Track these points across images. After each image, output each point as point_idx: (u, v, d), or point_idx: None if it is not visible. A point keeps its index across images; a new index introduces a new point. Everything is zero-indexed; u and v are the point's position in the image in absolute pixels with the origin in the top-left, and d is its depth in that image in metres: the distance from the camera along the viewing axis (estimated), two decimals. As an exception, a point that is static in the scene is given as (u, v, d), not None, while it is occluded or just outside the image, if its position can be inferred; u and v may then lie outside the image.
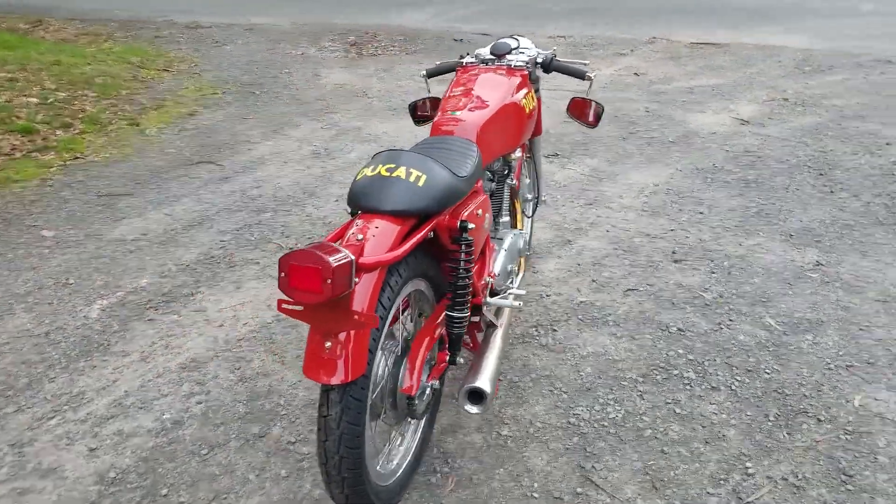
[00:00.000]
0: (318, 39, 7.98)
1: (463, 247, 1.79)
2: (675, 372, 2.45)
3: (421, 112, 2.76)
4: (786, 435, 2.16)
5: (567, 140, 4.79)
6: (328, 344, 1.42)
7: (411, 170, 1.63)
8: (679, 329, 2.68)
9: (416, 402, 1.73)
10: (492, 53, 2.47)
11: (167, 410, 2.31)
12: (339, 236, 1.57)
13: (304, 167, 4.41)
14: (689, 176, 4.11)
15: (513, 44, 2.50)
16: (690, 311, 2.79)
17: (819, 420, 2.22)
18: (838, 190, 3.88)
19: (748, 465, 2.05)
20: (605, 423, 2.22)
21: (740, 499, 1.93)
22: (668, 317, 2.76)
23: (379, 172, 1.63)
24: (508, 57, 2.45)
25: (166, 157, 4.60)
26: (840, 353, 2.53)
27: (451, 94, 2.21)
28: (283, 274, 1.30)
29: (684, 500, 1.93)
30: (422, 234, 1.62)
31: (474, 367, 1.92)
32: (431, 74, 2.61)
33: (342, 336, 1.43)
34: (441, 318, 1.88)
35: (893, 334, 2.63)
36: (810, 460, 2.06)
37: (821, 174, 4.08)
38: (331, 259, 1.28)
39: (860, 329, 2.67)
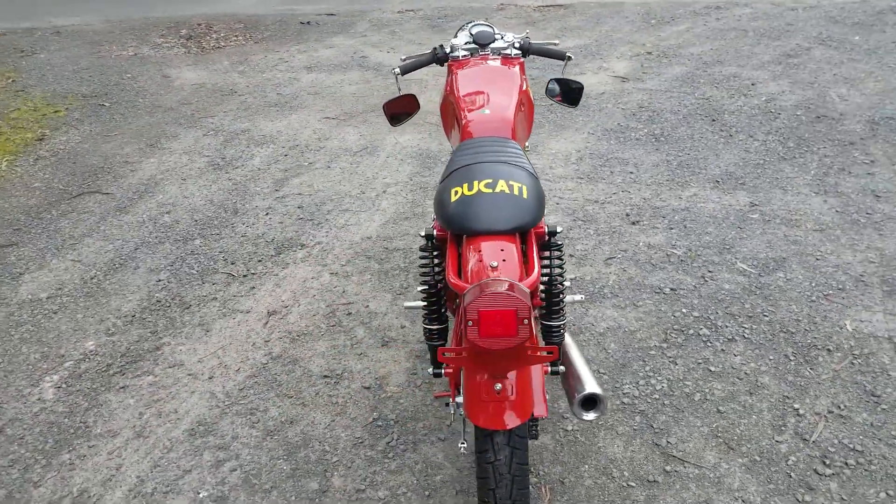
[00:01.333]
0: (146, 36, 7.24)
1: (556, 253, 1.71)
2: (691, 331, 2.55)
3: (395, 111, 2.59)
4: (810, 371, 2.33)
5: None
6: (498, 386, 1.30)
7: (511, 182, 1.52)
8: (672, 289, 2.78)
9: (538, 423, 1.65)
10: (476, 43, 2.35)
11: (201, 488, 2.03)
12: (453, 263, 1.44)
13: (208, 182, 4.01)
14: (602, 138, 4.26)
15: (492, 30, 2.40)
16: (672, 270, 2.91)
17: (829, 350, 2.41)
18: (735, 133, 4.20)
19: (795, 405, 2.19)
20: (656, 396, 2.26)
21: (805, 440, 2.06)
22: (656, 279, 2.85)
23: (479, 190, 1.50)
24: (493, 45, 2.35)
25: (36, 194, 3.98)
26: (812, 284, 2.76)
27: (463, 91, 2.08)
28: (470, 322, 1.16)
29: (761, 453, 2.03)
30: (536, 248, 1.52)
31: (571, 374, 1.86)
32: (405, 71, 2.44)
33: (512, 375, 1.31)
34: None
35: (844, 259, 2.92)
36: (841, 389, 2.24)
37: (713, 120, 4.40)
38: (521, 297, 1.16)
39: (816, 259, 2.93)
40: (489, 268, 1.38)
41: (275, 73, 5.99)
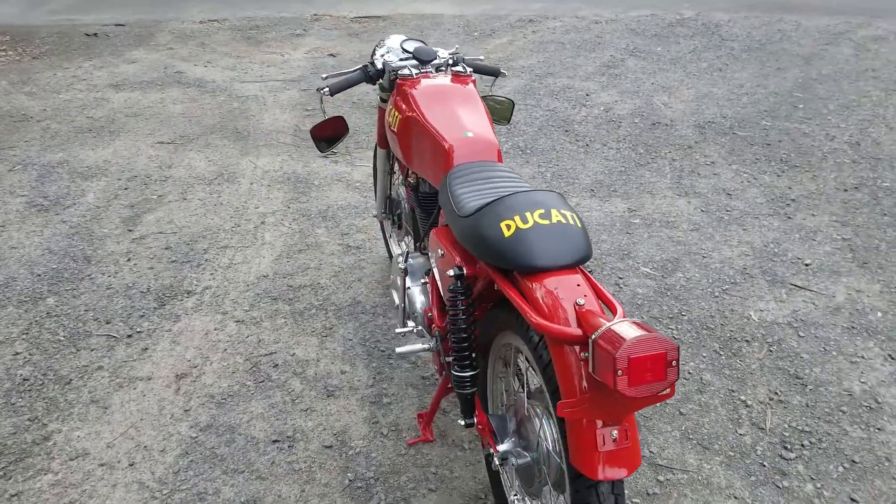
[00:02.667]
0: None
1: None
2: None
3: (322, 135, 2.41)
4: (740, 363, 2.57)
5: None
6: (615, 433, 1.25)
7: (563, 211, 1.48)
8: (594, 299, 2.90)
9: None
10: (417, 59, 2.26)
11: None
12: (521, 302, 1.37)
13: (37, 227, 3.44)
14: (470, 152, 4.33)
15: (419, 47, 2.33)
16: (586, 280, 3.04)
17: (747, 341, 2.68)
18: (590, 143, 4.51)
19: (742, 397, 2.40)
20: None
21: (762, 429, 2.26)
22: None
23: (536, 222, 1.43)
24: (435, 62, 2.29)
25: None
26: (710, 281, 3.05)
27: (429, 113, 1.97)
28: (619, 372, 1.10)
29: (732, 448, 2.19)
30: (594, 281, 1.48)
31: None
32: (336, 91, 2.28)
33: (625, 422, 1.27)
34: None
35: (725, 254, 3.26)
36: (771, 377, 2.49)
37: (566, 131, 4.68)
38: (667, 339, 1.13)
39: (703, 258, 3.24)
40: (576, 305, 1.33)
41: (75, 94, 5.31)
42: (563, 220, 1.45)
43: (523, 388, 1.63)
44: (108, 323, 2.74)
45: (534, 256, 1.40)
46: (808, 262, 3.19)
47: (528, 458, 1.55)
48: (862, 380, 2.45)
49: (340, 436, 2.21)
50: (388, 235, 3.07)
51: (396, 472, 2.08)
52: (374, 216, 2.94)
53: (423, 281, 2.11)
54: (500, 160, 1.87)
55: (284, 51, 6.51)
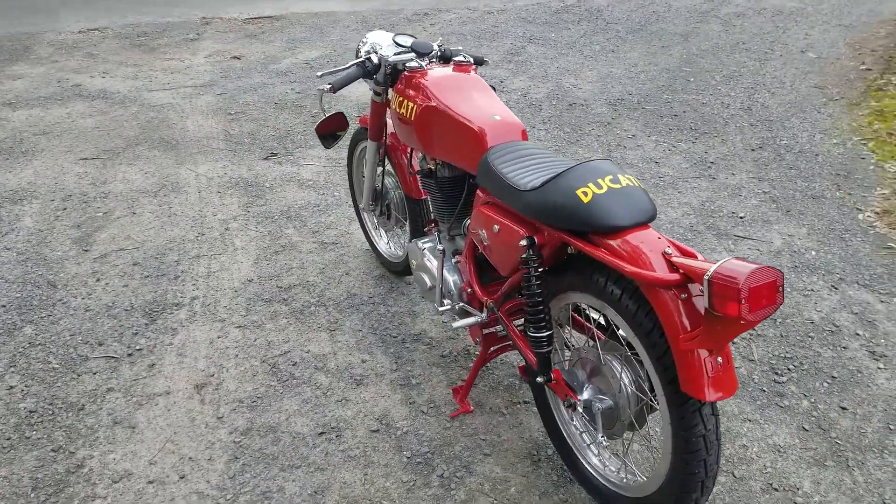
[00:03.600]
0: None
1: None
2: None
3: (327, 130, 2.45)
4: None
5: (274, 137, 4.53)
6: (720, 360, 1.44)
7: (627, 176, 1.64)
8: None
9: None
10: (416, 52, 2.35)
11: None
12: (612, 257, 1.51)
13: (-19, 257, 3.20)
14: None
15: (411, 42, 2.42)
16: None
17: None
18: (519, 125, 4.73)
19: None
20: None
21: (752, 360, 2.55)
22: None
23: (609, 187, 1.59)
24: (432, 54, 2.39)
25: None
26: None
27: (449, 101, 2.07)
28: (743, 301, 1.27)
29: (731, 379, 2.46)
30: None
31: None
32: (339, 88, 2.33)
33: (725, 349, 1.45)
34: None
35: (672, 216, 3.57)
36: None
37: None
38: (769, 266, 1.31)
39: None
40: (664, 254, 1.49)
41: (-37, 115, 4.89)
42: (630, 184, 1.62)
43: (593, 340, 1.79)
44: (100, 345, 2.63)
45: (614, 217, 1.55)
46: (741, 215, 3.57)
47: (610, 402, 1.71)
48: (817, 309, 2.82)
49: (383, 419, 2.28)
50: (370, 227, 3.12)
51: (449, 444, 2.18)
52: (361, 209, 2.99)
53: (454, 260, 2.22)
54: (525, 139, 2.01)
55: (183, 56, 6.28)
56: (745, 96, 5.21)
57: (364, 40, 2.57)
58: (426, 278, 2.28)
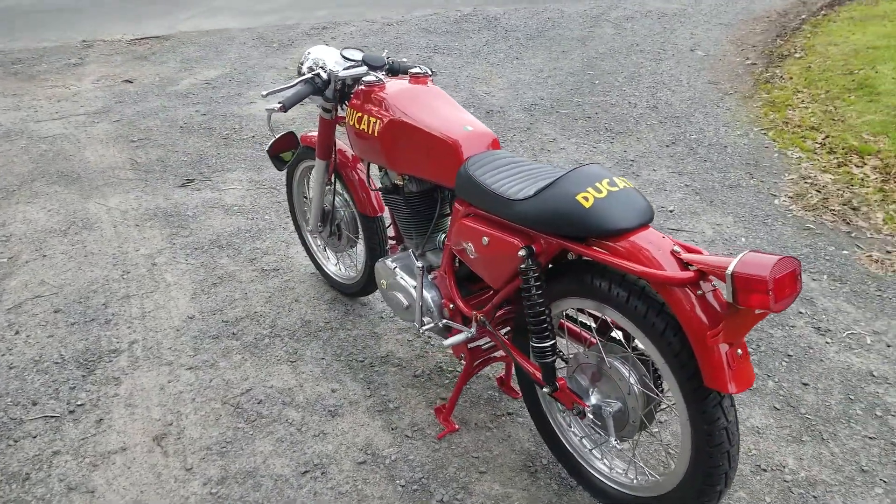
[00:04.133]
0: None
1: None
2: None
3: (278, 151, 2.33)
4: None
5: (186, 163, 4.28)
6: (739, 352, 1.46)
7: (621, 179, 1.64)
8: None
9: None
10: (368, 66, 2.28)
11: None
12: (621, 261, 1.52)
13: None
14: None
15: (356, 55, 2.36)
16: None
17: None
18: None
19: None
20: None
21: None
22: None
23: (609, 190, 1.58)
24: (384, 68, 2.33)
25: None
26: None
27: (416, 114, 2.01)
28: (770, 293, 1.29)
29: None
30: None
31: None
32: (290, 106, 2.22)
33: (742, 342, 1.48)
34: None
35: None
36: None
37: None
38: (787, 256, 1.34)
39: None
40: (673, 253, 1.50)
41: None
42: (626, 186, 1.62)
43: (586, 346, 1.79)
44: (35, 404, 2.38)
45: (617, 220, 1.55)
46: (671, 209, 3.71)
47: (619, 404, 1.71)
48: (761, 292, 2.95)
49: (367, 449, 2.18)
50: (316, 250, 3.01)
51: (442, 467, 2.11)
52: (309, 231, 2.86)
53: (431, 276, 2.16)
54: (498, 147, 1.98)
55: (68, 83, 5.86)
56: (649, 95, 5.44)
57: (306, 56, 2.47)
58: (401, 297, 2.20)
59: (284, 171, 2.90)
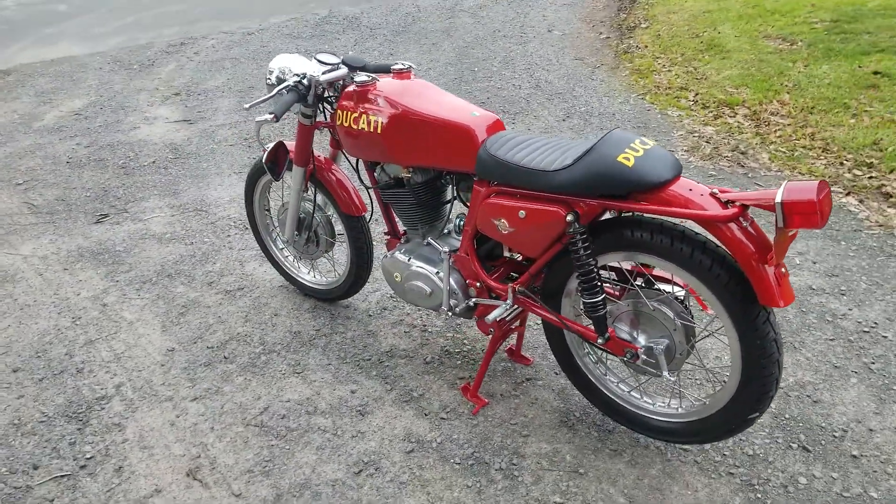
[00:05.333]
0: None
1: None
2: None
3: (271, 161, 2.31)
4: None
5: (91, 198, 3.99)
6: (784, 270, 1.68)
7: (645, 138, 1.82)
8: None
9: None
10: (350, 66, 2.32)
11: None
12: (677, 205, 1.68)
13: None
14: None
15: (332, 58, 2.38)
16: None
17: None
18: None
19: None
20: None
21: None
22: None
23: (644, 149, 1.74)
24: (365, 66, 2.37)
25: None
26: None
27: (420, 107, 2.07)
28: (818, 213, 1.51)
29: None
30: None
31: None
32: (281, 115, 2.20)
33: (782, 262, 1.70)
34: None
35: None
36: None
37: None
38: (819, 179, 1.57)
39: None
40: (712, 195, 1.69)
41: None
42: (654, 144, 1.80)
43: (617, 296, 1.97)
44: (36, 468, 2.20)
45: (658, 174, 1.72)
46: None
47: (667, 340, 1.90)
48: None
49: (410, 438, 2.23)
50: (286, 262, 2.97)
51: (487, 439, 2.21)
52: (286, 241, 2.81)
53: (442, 261, 2.23)
54: (503, 128, 2.10)
55: None
56: (528, 76, 5.75)
57: (271, 69, 2.45)
58: (423, 285, 2.26)
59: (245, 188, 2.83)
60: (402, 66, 2.29)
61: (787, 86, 4.85)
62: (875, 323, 2.62)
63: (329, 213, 2.70)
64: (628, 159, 1.73)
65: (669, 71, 5.56)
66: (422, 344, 2.65)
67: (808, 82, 4.83)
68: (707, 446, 2.11)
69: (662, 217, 1.77)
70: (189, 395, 2.46)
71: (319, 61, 2.34)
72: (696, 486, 2.01)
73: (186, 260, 3.32)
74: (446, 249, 2.19)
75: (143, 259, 3.35)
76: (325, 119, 2.49)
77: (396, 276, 2.35)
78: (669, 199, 1.71)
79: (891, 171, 3.71)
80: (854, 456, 2.07)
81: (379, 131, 2.15)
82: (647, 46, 6.23)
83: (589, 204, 1.82)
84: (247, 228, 3.57)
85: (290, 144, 2.59)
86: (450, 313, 2.25)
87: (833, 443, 2.12)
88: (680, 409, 2.03)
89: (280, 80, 2.45)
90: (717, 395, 1.90)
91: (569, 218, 1.83)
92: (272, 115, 2.19)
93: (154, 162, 4.45)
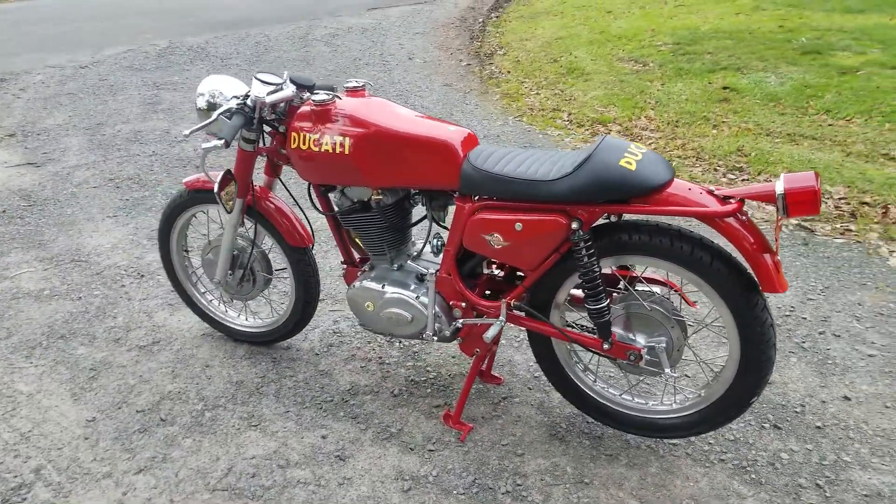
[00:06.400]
0: None
1: None
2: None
3: (223, 191, 2.14)
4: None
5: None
6: (777, 258, 1.82)
7: (636, 143, 1.91)
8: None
9: None
10: (300, 85, 2.22)
11: None
12: (678, 205, 1.78)
13: None
14: (143, 233, 3.89)
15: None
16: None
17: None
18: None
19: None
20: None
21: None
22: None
23: (639, 155, 1.81)
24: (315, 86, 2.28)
25: None
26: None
27: (391, 125, 2.02)
28: (817, 201, 1.66)
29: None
30: None
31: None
32: (231, 139, 2.06)
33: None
34: None
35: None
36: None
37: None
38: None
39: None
40: (710, 192, 1.80)
41: None
42: (646, 149, 1.89)
43: (621, 295, 2.03)
44: (-41, 583, 1.84)
45: (658, 176, 1.80)
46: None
47: (664, 337, 1.98)
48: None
49: (403, 475, 2.14)
50: (212, 307, 2.76)
51: (483, 464, 2.17)
52: (217, 283, 2.59)
53: (427, 284, 2.18)
54: (477, 142, 2.10)
55: None
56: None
57: (201, 92, 2.29)
58: (403, 312, 2.18)
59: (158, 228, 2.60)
60: (356, 84, 2.23)
61: (650, 102, 5.31)
62: (792, 307, 2.91)
63: (263, 248, 2.54)
64: (630, 164, 1.80)
65: (538, 94, 5.88)
66: (383, 377, 2.56)
67: (668, 99, 5.32)
68: (693, 438, 2.22)
69: (653, 219, 1.87)
70: (131, 467, 2.19)
71: (262, 81, 2.22)
72: (696, 476, 2.10)
73: (78, 317, 2.96)
74: (432, 271, 2.14)
75: (22, 322, 2.94)
76: (264, 144, 2.36)
77: (368, 306, 2.25)
78: (671, 199, 1.80)
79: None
80: (818, 427, 2.27)
81: (347, 152, 2.07)
82: (510, 72, 6.54)
83: (590, 210, 1.87)
84: (143, 276, 3.26)
85: (215, 174, 2.43)
86: (434, 338, 2.19)
87: (797, 418, 2.31)
88: (674, 405, 2.12)
89: (211, 105, 2.30)
90: (713, 385, 2.01)
91: (574, 225, 1.86)
92: (222, 141, 2.05)
93: (4, 211, 3.94)
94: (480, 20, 8.90)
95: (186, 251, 2.72)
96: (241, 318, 2.75)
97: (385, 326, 2.26)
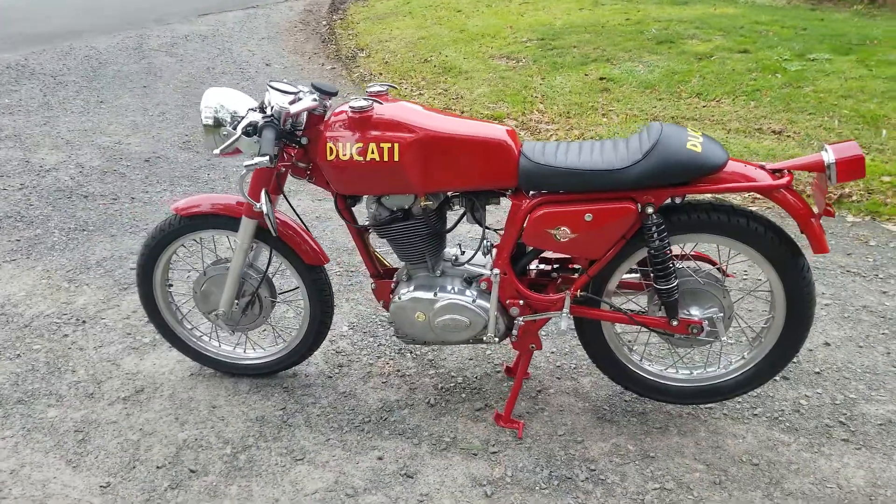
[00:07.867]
0: None
1: None
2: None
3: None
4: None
5: None
6: (822, 220, 2.09)
7: (690, 130, 2.09)
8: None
9: None
10: (324, 92, 2.16)
11: None
12: (739, 181, 1.99)
13: None
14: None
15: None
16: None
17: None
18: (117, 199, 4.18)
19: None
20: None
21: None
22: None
23: (700, 137, 2.00)
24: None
25: None
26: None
27: (443, 129, 2.04)
28: (856, 167, 1.94)
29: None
30: None
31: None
32: (273, 154, 1.99)
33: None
34: None
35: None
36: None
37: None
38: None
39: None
40: (764, 168, 2.03)
41: None
42: (699, 132, 2.09)
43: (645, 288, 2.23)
44: None
45: (721, 156, 1.99)
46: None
47: (716, 308, 2.19)
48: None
49: (480, 481, 2.18)
50: (208, 346, 2.60)
51: (551, 456, 2.27)
52: (217, 316, 2.42)
53: (480, 286, 2.23)
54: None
55: None
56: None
57: (207, 106, 2.18)
58: (461, 317, 2.21)
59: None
60: (380, 88, 2.22)
61: (537, 97, 5.64)
62: (745, 275, 3.29)
63: (290, 268, 2.44)
64: (696, 146, 1.98)
65: (421, 94, 6.00)
66: (411, 389, 2.56)
67: (553, 92, 5.68)
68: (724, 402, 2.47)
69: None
70: (185, 526, 2.02)
71: (279, 90, 2.14)
72: (741, 433, 2.35)
73: (27, 377, 2.64)
74: (496, 271, 2.19)
75: (-43, 391, 2.57)
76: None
77: (419, 316, 2.25)
78: (732, 177, 2.01)
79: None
80: (818, 373, 2.62)
81: (397, 159, 2.06)
82: (381, 73, 6.61)
83: (657, 194, 2.03)
84: (84, 322, 2.97)
85: (203, 198, 2.34)
86: (496, 339, 2.25)
87: (797, 367, 2.65)
88: (719, 370, 2.34)
89: (217, 121, 2.19)
90: (758, 348, 2.26)
91: (648, 210, 2.01)
92: (266, 157, 1.97)
93: None
94: (324, 23, 8.85)
95: (169, 286, 2.53)
96: (238, 350, 2.61)
97: (438, 335, 2.28)
